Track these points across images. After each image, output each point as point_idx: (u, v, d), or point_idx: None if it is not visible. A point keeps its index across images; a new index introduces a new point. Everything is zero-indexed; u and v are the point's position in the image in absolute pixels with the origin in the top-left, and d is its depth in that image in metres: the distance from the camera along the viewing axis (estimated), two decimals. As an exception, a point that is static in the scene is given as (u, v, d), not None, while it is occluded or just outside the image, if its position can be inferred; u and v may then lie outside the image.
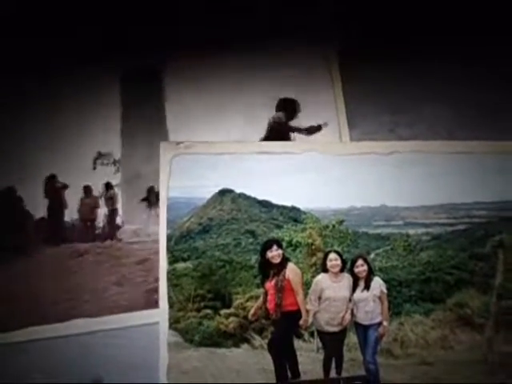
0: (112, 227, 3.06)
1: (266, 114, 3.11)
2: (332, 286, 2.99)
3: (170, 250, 2.95)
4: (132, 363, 2.85)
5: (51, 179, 3.09)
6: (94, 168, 3.08)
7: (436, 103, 3.09)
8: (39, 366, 2.85)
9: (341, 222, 3.06)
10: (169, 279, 2.93)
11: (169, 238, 2.96)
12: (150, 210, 3.03)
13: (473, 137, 3.03)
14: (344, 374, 2.95)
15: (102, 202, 3.09)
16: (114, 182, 3.09)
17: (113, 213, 3.08)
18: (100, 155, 3.08)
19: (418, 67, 3.13)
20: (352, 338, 2.99)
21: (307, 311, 2.97)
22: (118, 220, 3.07)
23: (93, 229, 3.08)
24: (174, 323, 2.91)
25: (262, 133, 3.08)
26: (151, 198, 3.04)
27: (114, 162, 3.08)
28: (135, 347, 2.87)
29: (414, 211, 3.08)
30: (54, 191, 3.08)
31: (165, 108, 3.13)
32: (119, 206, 3.08)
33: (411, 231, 3.08)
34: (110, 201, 3.08)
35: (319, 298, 2.99)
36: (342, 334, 2.99)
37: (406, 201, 3.07)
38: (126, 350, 2.86)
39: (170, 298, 2.93)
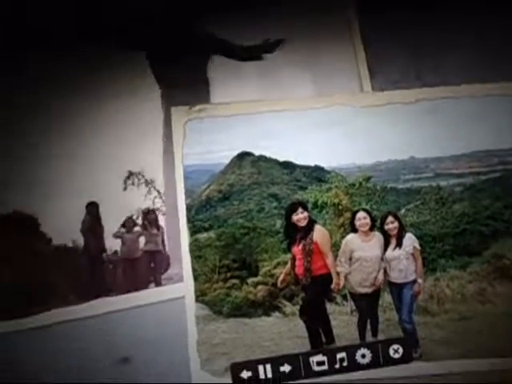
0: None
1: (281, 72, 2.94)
2: (362, 246, 2.89)
3: (190, 221, 2.84)
4: (160, 339, 2.79)
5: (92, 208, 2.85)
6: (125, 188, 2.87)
7: (462, 47, 2.89)
8: (65, 348, 2.78)
9: (368, 179, 2.92)
10: (191, 251, 2.83)
11: (188, 208, 2.84)
12: None
13: (505, 78, 2.84)
14: (380, 336, 2.86)
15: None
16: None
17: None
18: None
19: (442, 11, 2.92)
20: (386, 298, 2.89)
21: (338, 274, 2.87)
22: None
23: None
24: (200, 296, 2.83)
25: (279, 91, 2.91)
26: None
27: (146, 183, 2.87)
28: (162, 323, 2.79)
29: (445, 161, 2.93)
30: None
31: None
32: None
33: (442, 183, 2.94)
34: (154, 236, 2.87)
35: (350, 259, 2.89)
36: (376, 294, 2.90)
37: (435, 151, 2.92)
38: (153, 326, 2.78)
39: (194, 270, 2.83)
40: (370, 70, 2.90)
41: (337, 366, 2.78)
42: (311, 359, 2.78)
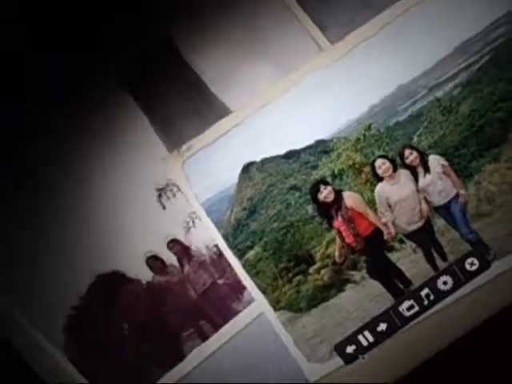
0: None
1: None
2: (394, 189, 2.91)
3: (233, 247, 2.93)
4: (264, 358, 2.96)
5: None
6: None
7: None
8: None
9: (369, 127, 2.89)
10: (248, 272, 2.95)
11: (225, 238, 2.93)
12: None
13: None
14: (450, 258, 2.93)
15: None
16: None
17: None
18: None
19: None
20: (439, 223, 2.94)
21: (385, 224, 2.93)
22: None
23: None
24: (276, 304, 2.97)
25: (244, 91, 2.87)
26: None
27: None
28: (258, 344, 2.96)
29: (433, 72, 2.85)
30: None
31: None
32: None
33: (439, 93, 2.88)
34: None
35: (389, 206, 2.93)
36: (428, 224, 2.95)
37: (419, 67, 2.84)
38: (252, 350, 2.96)
39: (258, 286, 2.95)
40: (320, 28, 2.80)
41: (425, 302, 2.89)
42: (400, 308, 2.90)
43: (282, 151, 2.90)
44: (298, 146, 2.90)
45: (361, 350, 2.91)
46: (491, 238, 2.90)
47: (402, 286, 2.96)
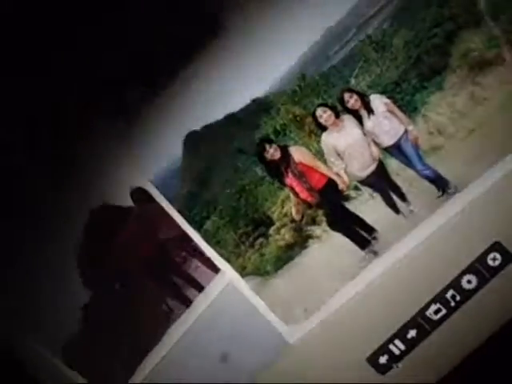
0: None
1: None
2: (340, 137, 2.85)
3: (189, 220, 2.92)
4: (237, 328, 2.93)
5: None
6: None
7: None
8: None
9: (303, 77, 2.83)
10: (208, 241, 2.93)
11: (180, 212, 2.91)
12: None
13: None
14: (411, 195, 2.84)
15: None
16: None
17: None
18: None
19: None
20: (392, 164, 2.84)
21: (337, 174, 2.86)
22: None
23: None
24: (242, 271, 2.93)
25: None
26: None
27: None
28: (230, 315, 2.93)
29: (357, 9, 2.75)
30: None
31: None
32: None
33: (368, 30, 2.79)
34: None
35: (338, 154, 2.86)
36: (381, 167, 2.87)
37: (340, 8, 2.74)
38: (225, 323, 2.94)
39: (221, 255, 2.93)
40: None
41: (452, 304, 2.77)
42: (427, 312, 2.78)
43: (221, 116, 2.88)
44: (235, 109, 2.87)
45: (394, 359, 2.82)
46: (449, 171, 2.79)
47: (365, 234, 2.89)
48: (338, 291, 2.89)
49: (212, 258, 2.95)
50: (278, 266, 2.95)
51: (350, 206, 2.88)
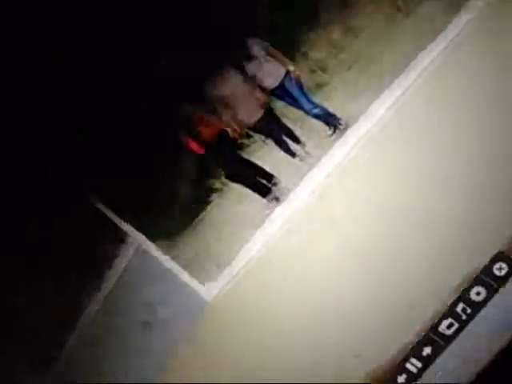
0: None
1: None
2: (223, 85, 2.79)
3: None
4: (157, 294, 2.88)
5: None
6: None
7: None
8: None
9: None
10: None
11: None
12: None
13: None
14: (304, 139, 2.82)
15: None
16: None
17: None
18: None
19: None
20: (279, 106, 2.83)
21: (228, 124, 2.82)
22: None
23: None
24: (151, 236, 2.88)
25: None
26: None
27: None
28: (147, 281, 2.89)
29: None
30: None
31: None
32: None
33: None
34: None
35: (225, 104, 2.80)
36: (268, 111, 2.85)
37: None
38: (143, 289, 2.89)
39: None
40: None
41: (464, 317, 2.74)
42: (440, 328, 2.74)
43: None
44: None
45: (412, 378, 2.80)
46: (337, 106, 2.79)
47: (265, 182, 2.87)
48: (247, 243, 2.91)
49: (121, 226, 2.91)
50: (184, 225, 2.92)
51: (245, 154, 2.86)
